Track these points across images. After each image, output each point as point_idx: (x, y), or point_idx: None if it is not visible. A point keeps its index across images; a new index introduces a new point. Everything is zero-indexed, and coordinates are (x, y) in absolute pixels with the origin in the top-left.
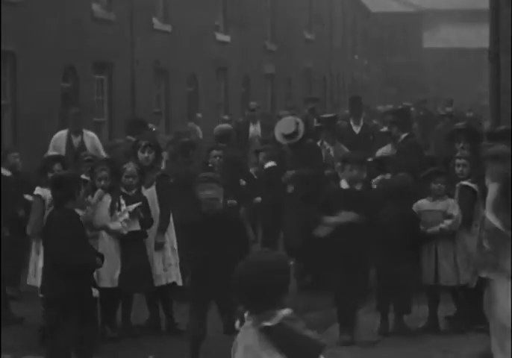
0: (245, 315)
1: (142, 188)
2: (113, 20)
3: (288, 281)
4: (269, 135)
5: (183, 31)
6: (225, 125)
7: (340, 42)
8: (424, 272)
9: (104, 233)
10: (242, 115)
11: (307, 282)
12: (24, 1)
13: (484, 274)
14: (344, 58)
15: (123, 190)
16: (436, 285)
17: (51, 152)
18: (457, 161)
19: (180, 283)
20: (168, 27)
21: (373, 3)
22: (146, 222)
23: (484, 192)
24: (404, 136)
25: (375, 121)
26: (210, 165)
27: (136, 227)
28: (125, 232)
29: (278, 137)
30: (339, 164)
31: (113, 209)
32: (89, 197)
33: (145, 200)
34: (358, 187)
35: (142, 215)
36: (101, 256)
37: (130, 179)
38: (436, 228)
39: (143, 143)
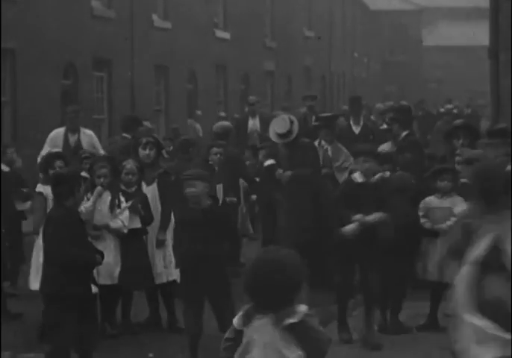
0: (245, 312)
1: (144, 185)
2: (113, 17)
3: (304, 277)
4: (267, 130)
5: (182, 28)
6: (225, 123)
7: (340, 39)
8: (428, 269)
9: (104, 231)
10: (242, 112)
11: (306, 279)
12: None
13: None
14: (344, 55)
15: (123, 187)
16: (441, 282)
17: (45, 150)
18: (458, 158)
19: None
20: (168, 25)
21: (373, 1)
22: (146, 219)
23: None
24: (404, 133)
25: (372, 117)
26: (210, 162)
27: (137, 224)
28: (126, 231)
29: (272, 136)
30: (337, 164)
31: (113, 206)
32: (89, 194)
33: (145, 197)
34: (373, 180)
35: (143, 212)
36: (101, 254)
37: (130, 176)
38: (443, 225)
39: (144, 140)
